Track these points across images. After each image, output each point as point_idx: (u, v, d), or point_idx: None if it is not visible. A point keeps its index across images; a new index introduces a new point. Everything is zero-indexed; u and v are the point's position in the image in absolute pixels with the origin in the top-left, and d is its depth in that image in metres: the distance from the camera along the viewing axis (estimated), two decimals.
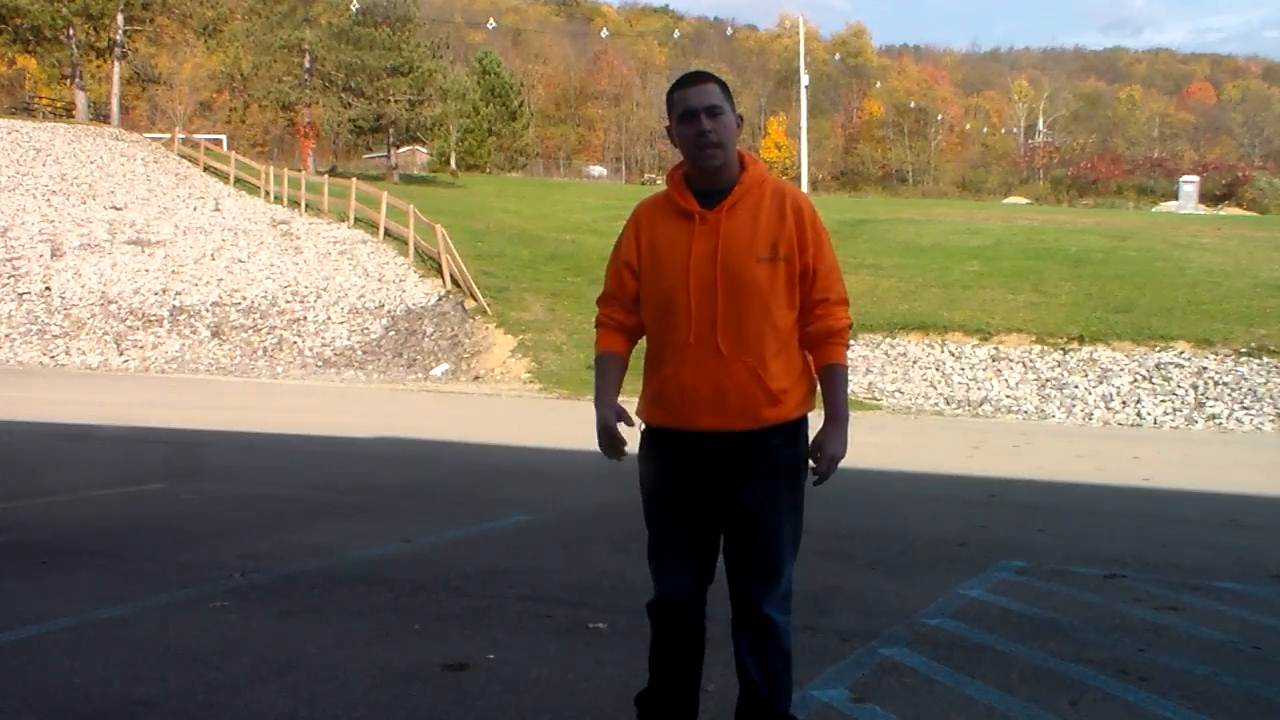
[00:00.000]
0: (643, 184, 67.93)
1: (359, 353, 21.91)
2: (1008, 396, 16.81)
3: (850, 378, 15.75)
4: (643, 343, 3.09)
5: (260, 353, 22.11)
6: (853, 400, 18.50)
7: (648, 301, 2.95)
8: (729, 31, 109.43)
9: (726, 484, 2.88)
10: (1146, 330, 18.08)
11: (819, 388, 2.98)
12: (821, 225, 2.92)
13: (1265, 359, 16.62)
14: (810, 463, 2.95)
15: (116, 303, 23.66)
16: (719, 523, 2.95)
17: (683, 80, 2.93)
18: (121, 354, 22.08)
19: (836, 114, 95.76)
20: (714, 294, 2.81)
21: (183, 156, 36.45)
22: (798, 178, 56.29)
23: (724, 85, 2.92)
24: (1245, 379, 16.22)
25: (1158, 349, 17.44)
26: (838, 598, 5.07)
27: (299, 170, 35.82)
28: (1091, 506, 8.25)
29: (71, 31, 42.53)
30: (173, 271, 24.94)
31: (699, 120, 2.84)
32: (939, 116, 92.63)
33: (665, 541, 2.97)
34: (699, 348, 2.82)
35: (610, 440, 2.95)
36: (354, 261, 25.71)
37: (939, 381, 17.45)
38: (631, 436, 3.01)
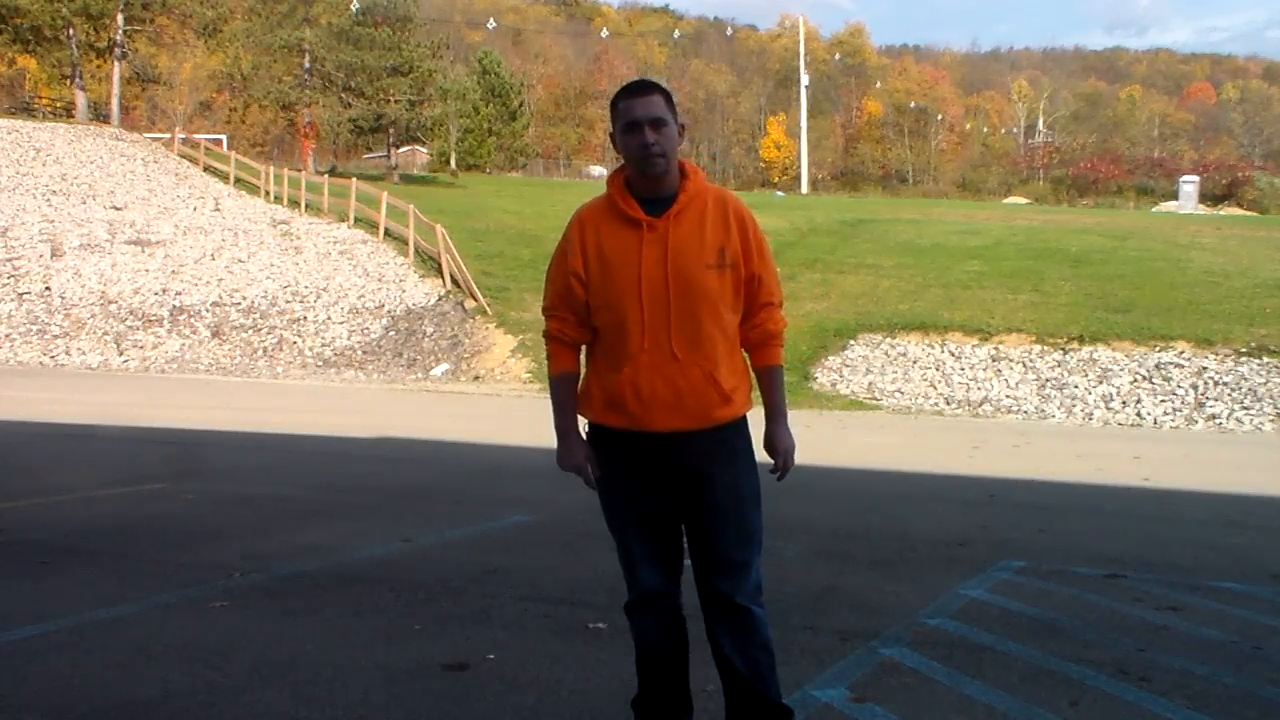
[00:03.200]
0: None
1: (359, 353, 21.91)
2: (1008, 396, 16.80)
3: (850, 377, 15.71)
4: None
5: (260, 353, 22.11)
6: (853, 400, 18.31)
7: (599, 309, 2.98)
8: (729, 31, 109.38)
9: (686, 480, 2.94)
10: (1146, 330, 18.08)
11: (756, 385, 3.08)
12: (761, 232, 3.02)
13: (1265, 359, 16.61)
14: (771, 462, 3.03)
15: (116, 303, 23.66)
16: (679, 518, 3.00)
17: (627, 90, 2.97)
18: (121, 354, 22.08)
19: (836, 114, 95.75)
20: (666, 300, 2.87)
21: (183, 156, 36.45)
22: (798, 177, 56.28)
23: (668, 96, 2.98)
24: (1245, 379, 16.22)
25: (1158, 349, 17.43)
26: (838, 598, 5.07)
27: (299, 170, 35.81)
28: (1091, 506, 8.25)
29: (71, 31, 42.52)
30: (173, 271, 24.94)
31: (643, 132, 2.88)
32: (939, 116, 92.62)
33: (631, 541, 3.03)
34: (654, 353, 2.88)
35: (587, 478, 3.03)
36: (354, 261, 25.71)
37: (939, 381, 17.44)
38: None
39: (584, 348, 3.10)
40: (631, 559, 3.05)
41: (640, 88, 2.95)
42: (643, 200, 2.94)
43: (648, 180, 2.93)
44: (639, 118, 2.89)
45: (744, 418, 3.00)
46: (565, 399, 3.08)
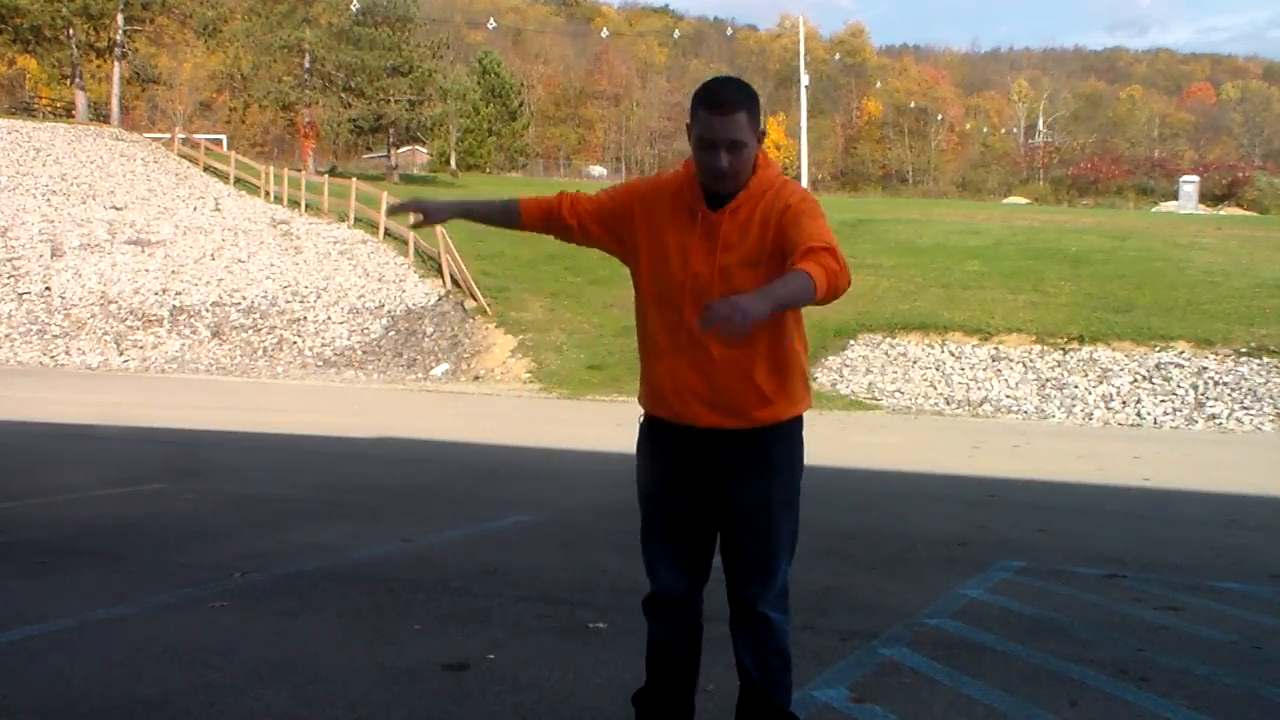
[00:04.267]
0: None
1: (359, 353, 21.91)
2: (1008, 396, 16.80)
3: (850, 377, 15.53)
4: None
5: (260, 353, 22.11)
6: (853, 400, 18.32)
7: (646, 293, 2.94)
8: (729, 31, 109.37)
9: (720, 481, 2.89)
10: (1146, 330, 18.08)
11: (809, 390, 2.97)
12: (808, 204, 2.80)
13: (1265, 359, 16.61)
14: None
15: (116, 303, 23.66)
16: (714, 520, 2.96)
17: (712, 100, 2.77)
18: (121, 354, 22.08)
19: (836, 114, 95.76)
20: (710, 295, 2.76)
21: (183, 156, 36.44)
22: (798, 177, 56.21)
23: (753, 109, 2.79)
24: (1245, 379, 16.21)
25: (1158, 349, 17.43)
26: (838, 598, 5.07)
27: (299, 170, 35.81)
28: (1091, 506, 8.25)
29: (71, 31, 42.52)
30: (173, 271, 24.94)
31: (718, 154, 2.75)
32: (939, 116, 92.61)
33: (657, 539, 2.99)
34: (692, 347, 2.82)
35: (406, 206, 3.06)
36: (354, 261, 25.71)
37: (939, 381, 17.44)
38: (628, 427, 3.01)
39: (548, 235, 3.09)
40: (653, 557, 3.01)
41: (725, 104, 2.75)
42: (710, 194, 2.84)
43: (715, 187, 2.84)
44: (717, 139, 2.74)
45: (790, 422, 2.91)
46: (487, 200, 3.20)
